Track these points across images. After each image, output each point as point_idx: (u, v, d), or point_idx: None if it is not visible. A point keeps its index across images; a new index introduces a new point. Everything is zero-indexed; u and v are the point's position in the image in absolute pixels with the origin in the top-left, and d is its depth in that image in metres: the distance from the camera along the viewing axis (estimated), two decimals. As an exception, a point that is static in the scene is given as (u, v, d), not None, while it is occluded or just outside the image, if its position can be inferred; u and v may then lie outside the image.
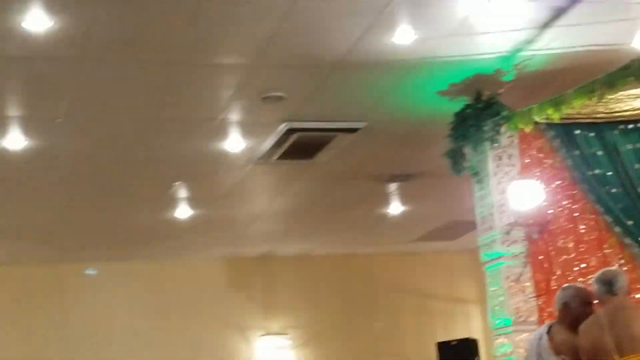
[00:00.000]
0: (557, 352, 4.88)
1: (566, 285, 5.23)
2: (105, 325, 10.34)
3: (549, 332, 4.96)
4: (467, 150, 5.87)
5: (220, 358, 10.62)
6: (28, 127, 6.06)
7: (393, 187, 8.14)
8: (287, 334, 11.00)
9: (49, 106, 5.77)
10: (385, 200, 8.43)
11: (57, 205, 8.08)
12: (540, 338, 5.02)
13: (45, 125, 6.09)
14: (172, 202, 8.18)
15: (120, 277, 10.46)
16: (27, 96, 5.65)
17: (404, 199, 8.38)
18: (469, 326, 11.09)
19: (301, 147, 6.75)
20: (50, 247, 9.58)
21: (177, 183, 7.67)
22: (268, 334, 10.94)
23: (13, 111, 5.83)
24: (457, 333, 10.76)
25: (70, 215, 8.49)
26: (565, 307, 4.91)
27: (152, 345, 10.42)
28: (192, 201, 8.24)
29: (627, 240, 5.65)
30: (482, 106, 5.72)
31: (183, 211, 8.45)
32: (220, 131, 6.47)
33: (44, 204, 7.99)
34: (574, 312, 4.87)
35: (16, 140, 6.23)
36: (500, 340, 5.74)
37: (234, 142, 6.68)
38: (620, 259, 5.71)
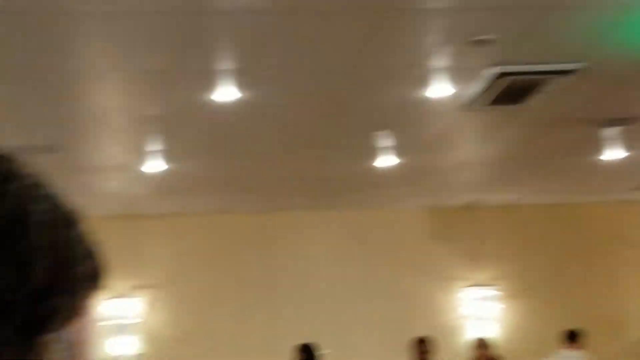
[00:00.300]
0: None
1: None
2: (312, 273, 10.55)
3: None
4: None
5: (425, 308, 10.58)
6: (240, 80, 6.21)
7: (609, 132, 7.67)
8: (494, 285, 10.78)
9: (261, 59, 5.88)
10: (600, 146, 7.97)
11: (266, 156, 8.28)
12: None
13: (257, 78, 6.21)
14: (377, 151, 8.17)
15: (325, 225, 10.61)
16: (239, 50, 5.77)
17: (622, 144, 7.88)
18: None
19: (511, 91, 6.48)
20: (260, 197, 9.88)
21: (381, 131, 7.64)
22: (474, 285, 10.78)
23: (227, 65, 5.99)
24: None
25: (278, 166, 8.69)
26: None
27: (356, 294, 10.55)
28: (397, 150, 8.18)
29: None
30: None
31: (387, 160, 8.41)
32: (427, 78, 6.32)
33: (254, 155, 8.21)
34: None
35: (229, 92, 6.41)
36: None
37: (441, 89, 6.51)
38: None
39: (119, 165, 8.14)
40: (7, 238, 0.53)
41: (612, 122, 7.47)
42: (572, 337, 9.01)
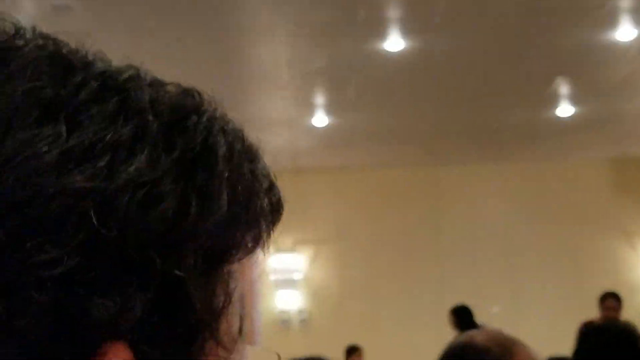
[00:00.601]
0: None
1: None
2: (482, 230, 10.25)
3: None
4: None
5: (604, 264, 10.08)
6: (407, 28, 6.05)
7: None
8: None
9: (429, 6, 5.68)
10: None
11: (433, 107, 8.09)
12: None
13: (425, 26, 6.02)
14: (554, 99, 7.78)
15: (497, 179, 10.27)
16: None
17: None
18: None
19: None
20: (428, 150, 9.70)
21: (558, 78, 7.26)
22: (657, 241, 10.16)
23: (394, 13, 5.84)
24: None
25: (445, 117, 8.47)
26: None
27: (530, 250, 10.20)
28: (577, 97, 7.77)
29: None
30: None
31: (565, 109, 8.03)
32: (609, 19, 5.93)
33: (422, 106, 8.05)
34: None
35: (396, 42, 6.28)
36: None
37: (624, 31, 6.14)
38: None
39: (286, 120, 8.19)
40: (195, 169, 0.55)
41: None
42: None
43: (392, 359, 8.87)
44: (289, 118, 8.12)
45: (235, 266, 0.58)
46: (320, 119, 8.17)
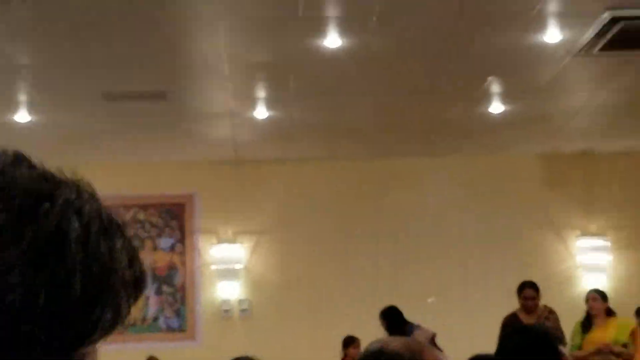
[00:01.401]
0: None
1: None
2: (421, 221, 10.42)
3: None
4: None
5: (535, 256, 10.36)
6: (345, 27, 6.21)
7: None
8: (606, 235, 10.49)
9: (365, 5, 5.85)
10: None
11: (371, 102, 8.26)
12: None
13: (362, 24, 6.19)
14: (486, 97, 8.04)
15: (436, 172, 10.48)
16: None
17: None
18: None
19: (626, 37, 6.22)
20: (364, 144, 9.85)
21: (490, 77, 7.50)
22: (586, 234, 10.52)
23: (333, 12, 6.00)
24: None
25: (383, 112, 8.64)
26: None
27: (468, 242, 10.43)
28: (506, 96, 8.03)
29: None
30: None
31: (497, 106, 8.29)
32: (537, 23, 6.16)
33: (358, 101, 8.20)
34: None
35: (333, 40, 6.43)
36: None
37: (552, 34, 6.36)
38: None
39: (226, 112, 8.30)
40: (46, 256, 0.55)
41: None
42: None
43: (334, 349, 9.01)
44: (230, 110, 8.24)
45: (90, 348, 0.58)
46: (261, 112, 8.29)
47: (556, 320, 8.22)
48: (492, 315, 8.34)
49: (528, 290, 8.16)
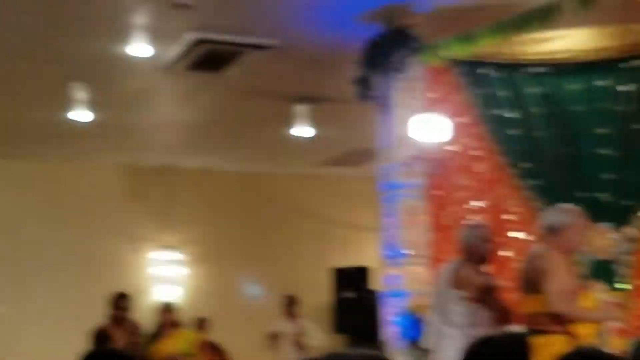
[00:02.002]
0: (458, 287, 5.00)
1: (469, 223, 5.32)
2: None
3: (456, 267, 5.07)
4: (375, 78, 5.80)
5: (111, 269, 10.39)
6: None
7: (300, 109, 8.03)
8: (181, 248, 10.90)
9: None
10: (291, 121, 8.33)
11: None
12: (446, 272, 5.13)
13: None
14: (70, 103, 7.85)
15: (8, 177, 10.08)
16: None
17: (311, 122, 8.29)
18: (365, 254, 11.22)
19: (210, 59, 6.56)
20: None
21: (76, 83, 7.38)
22: (162, 247, 10.81)
23: None
24: (353, 260, 10.89)
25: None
26: (469, 245, 5.03)
27: (41, 251, 10.17)
28: (92, 104, 7.94)
29: (522, 183, 5.75)
30: (393, 35, 5.64)
31: (81, 113, 8.11)
32: (124, 34, 6.17)
33: None
34: (479, 250, 5.01)
35: None
36: (391, 271, 5.80)
37: (139, 47, 6.38)
38: (513, 200, 5.81)
39: None
40: None
41: (301, 100, 7.83)
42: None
43: None
44: None
45: None
46: None
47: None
48: (73, 328, 8.28)
49: (121, 299, 8.37)
